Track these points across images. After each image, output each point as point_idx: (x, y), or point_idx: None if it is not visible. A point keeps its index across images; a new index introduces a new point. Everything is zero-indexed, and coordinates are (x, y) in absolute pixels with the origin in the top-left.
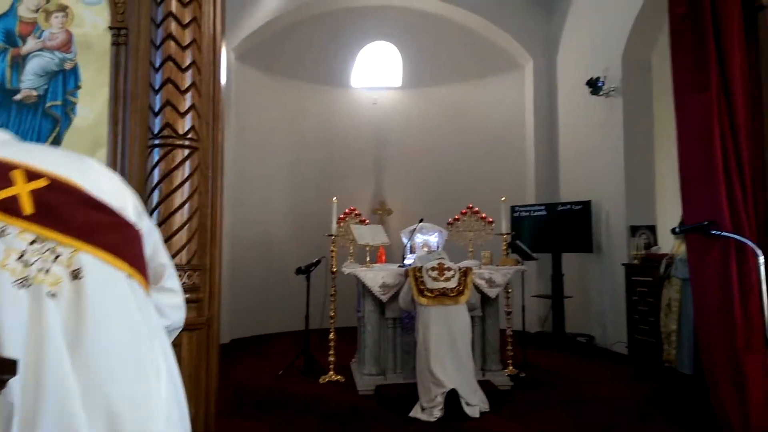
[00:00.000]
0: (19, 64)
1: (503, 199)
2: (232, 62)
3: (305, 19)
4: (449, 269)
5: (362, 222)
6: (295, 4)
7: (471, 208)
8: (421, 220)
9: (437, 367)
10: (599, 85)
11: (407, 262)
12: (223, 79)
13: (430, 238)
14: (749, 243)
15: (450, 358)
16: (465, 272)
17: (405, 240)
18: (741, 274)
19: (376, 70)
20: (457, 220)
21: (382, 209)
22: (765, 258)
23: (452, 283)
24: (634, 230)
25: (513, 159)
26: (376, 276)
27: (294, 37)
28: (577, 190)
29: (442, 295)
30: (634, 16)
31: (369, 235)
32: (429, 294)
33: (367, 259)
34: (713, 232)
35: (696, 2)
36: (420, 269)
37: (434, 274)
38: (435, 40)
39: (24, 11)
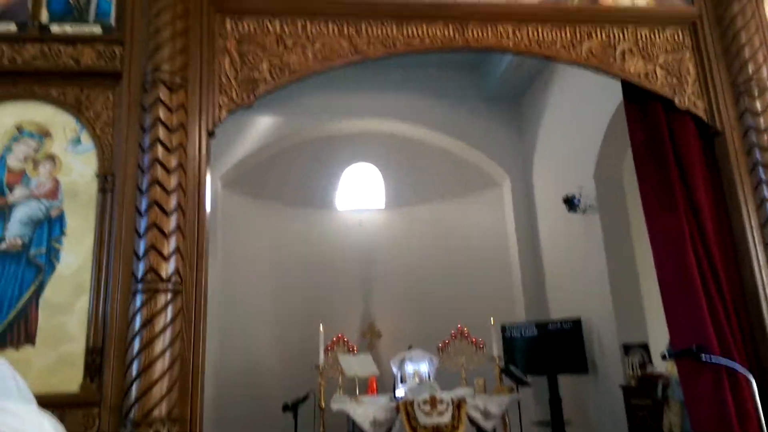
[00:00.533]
0: (5, 213)
1: (492, 320)
2: (218, 191)
3: (290, 147)
4: (442, 401)
5: (350, 350)
6: (280, 133)
7: (461, 330)
8: (409, 347)
9: None
10: (575, 203)
11: (398, 393)
12: (208, 209)
13: (420, 366)
14: (740, 369)
15: None
16: (459, 405)
17: (395, 369)
18: (736, 401)
19: (360, 192)
20: (447, 344)
21: (371, 332)
22: (757, 382)
23: (446, 418)
24: (627, 349)
25: (499, 277)
26: (366, 412)
27: (279, 164)
28: (567, 306)
29: (436, 430)
30: (601, 136)
31: (357, 365)
32: (422, 430)
33: (357, 391)
34: (703, 358)
35: (654, 129)
36: (411, 403)
37: (426, 408)
38: (414, 161)
39: (13, 161)
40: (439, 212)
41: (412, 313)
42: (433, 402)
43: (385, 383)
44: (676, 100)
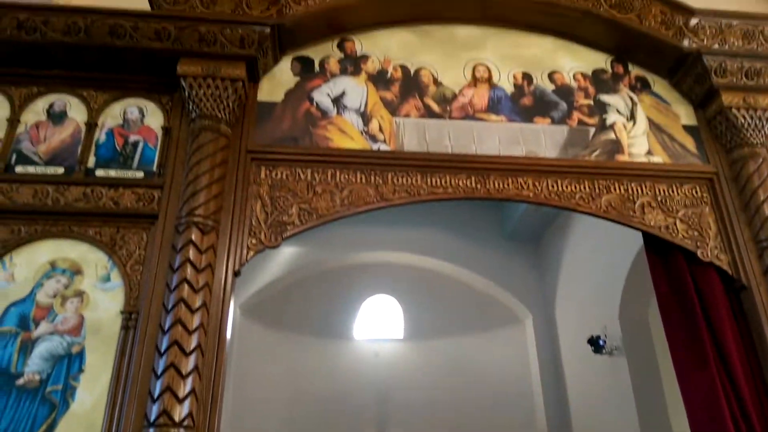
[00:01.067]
0: (27, 347)
1: None
2: (237, 319)
3: (311, 276)
4: None
5: None
6: (301, 263)
7: None
8: None
9: None
10: (600, 344)
11: None
12: (227, 350)
13: None
14: None
15: None
16: None
17: None
18: None
19: (378, 323)
20: None
21: None
22: None
23: None
24: None
25: (521, 418)
26: None
27: (300, 293)
28: None
29: None
30: (624, 277)
31: None
32: None
33: None
34: None
35: (678, 281)
36: None
37: None
38: (435, 295)
39: (42, 297)
40: (458, 347)
41: None
42: None
43: None
44: (699, 253)
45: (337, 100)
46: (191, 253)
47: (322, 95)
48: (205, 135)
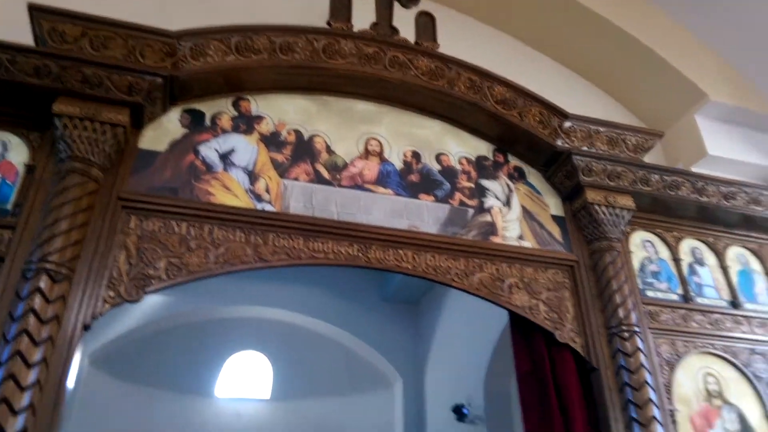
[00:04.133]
0: None
1: None
2: (84, 369)
3: (172, 327)
4: None
5: None
6: (162, 313)
7: None
8: None
9: None
10: (464, 412)
11: None
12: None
13: None
14: None
15: None
16: None
17: None
18: None
19: (244, 381)
20: None
21: None
22: None
23: None
24: None
25: None
26: None
27: (158, 344)
28: None
29: None
30: (491, 348)
31: None
32: None
33: None
34: None
35: (537, 360)
36: None
37: None
38: (307, 353)
39: None
40: (326, 408)
41: None
42: None
43: None
44: (557, 334)
45: (225, 157)
46: (37, 301)
47: (210, 149)
48: (72, 177)
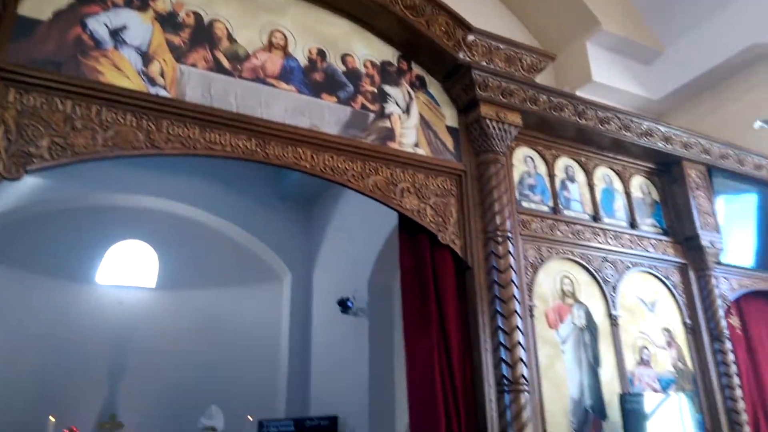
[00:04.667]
0: None
1: (251, 417)
2: None
3: (51, 212)
4: None
5: None
6: (43, 196)
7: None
8: None
9: None
10: (349, 305)
11: None
12: None
13: None
14: None
15: None
16: None
17: None
18: None
19: (128, 269)
20: None
21: (112, 424)
22: None
23: None
24: None
25: (265, 372)
26: None
27: (35, 228)
28: (327, 404)
29: None
30: (379, 247)
31: None
32: None
33: None
34: None
35: (420, 258)
36: None
37: None
38: (195, 245)
39: None
40: (214, 299)
41: (168, 404)
42: None
43: None
44: (440, 236)
45: (116, 33)
46: None
47: (99, 24)
48: None
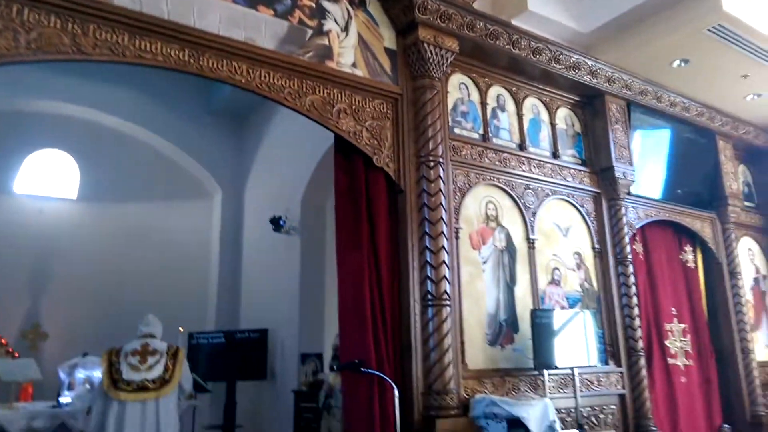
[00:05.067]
0: None
1: (181, 329)
2: None
3: None
4: (155, 353)
5: (9, 353)
6: None
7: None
8: (85, 354)
9: None
10: (281, 223)
11: (63, 400)
12: None
13: (94, 373)
14: (388, 380)
15: None
16: (175, 353)
17: (63, 376)
18: (381, 405)
19: (49, 179)
20: None
21: (35, 333)
22: (398, 392)
23: (155, 372)
24: (304, 358)
25: (195, 285)
26: (20, 422)
27: None
28: (257, 318)
29: (142, 389)
30: (313, 166)
31: (18, 370)
32: (125, 387)
33: (13, 397)
34: (363, 369)
35: (354, 179)
36: (118, 352)
37: (135, 360)
38: (118, 157)
39: None
40: (141, 213)
41: (93, 316)
42: (144, 352)
43: (46, 391)
44: (375, 159)
45: None
46: None
47: None
48: None
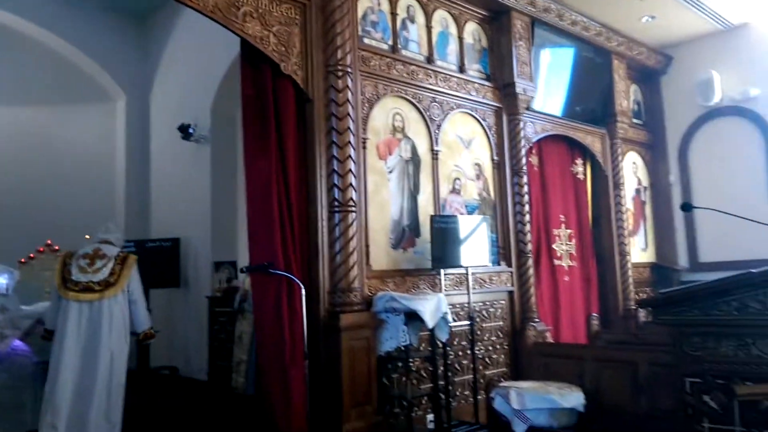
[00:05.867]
0: None
1: (87, 236)
2: None
3: None
4: (104, 257)
5: None
6: None
7: (50, 245)
8: None
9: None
10: (190, 132)
11: None
12: None
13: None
14: (296, 280)
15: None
16: (124, 259)
17: None
18: (290, 304)
19: None
20: (33, 258)
21: None
22: (306, 291)
23: (101, 275)
24: (218, 266)
25: (101, 193)
26: None
27: None
28: (169, 226)
29: (87, 289)
30: (223, 72)
31: None
32: (73, 287)
33: None
34: (271, 270)
35: (262, 87)
36: (72, 255)
37: (84, 263)
38: (10, 56)
39: None
40: (41, 118)
41: None
42: (94, 256)
43: None
44: (282, 66)
45: None
46: None
47: None
48: None
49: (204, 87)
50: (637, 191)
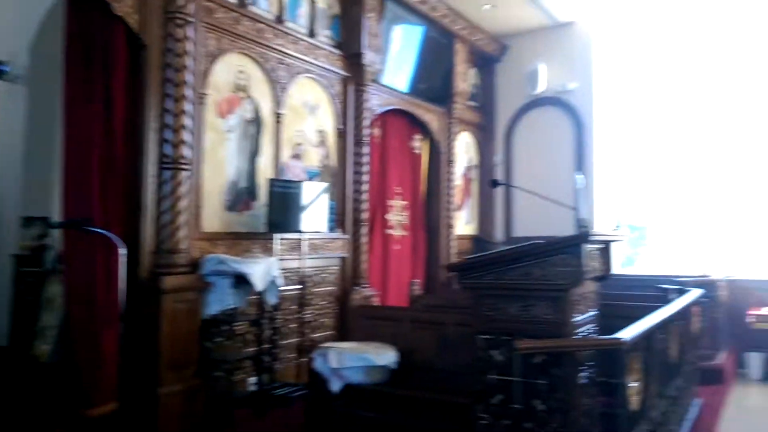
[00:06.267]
0: None
1: None
2: None
3: None
4: None
5: None
6: None
7: None
8: None
9: None
10: (3, 69)
11: None
12: None
13: None
14: (114, 238)
15: None
16: None
17: None
18: (106, 263)
19: None
20: None
21: None
22: (126, 251)
23: None
24: (28, 221)
25: None
26: None
27: None
28: None
29: None
30: (45, 8)
31: None
32: None
33: None
34: (86, 228)
35: (89, 27)
36: None
37: None
38: None
39: None
40: None
41: None
42: None
43: None
44: (114, 6)
45: None
46: None
47: None
48: None
49: (25, 20)
50: (467, 169)
